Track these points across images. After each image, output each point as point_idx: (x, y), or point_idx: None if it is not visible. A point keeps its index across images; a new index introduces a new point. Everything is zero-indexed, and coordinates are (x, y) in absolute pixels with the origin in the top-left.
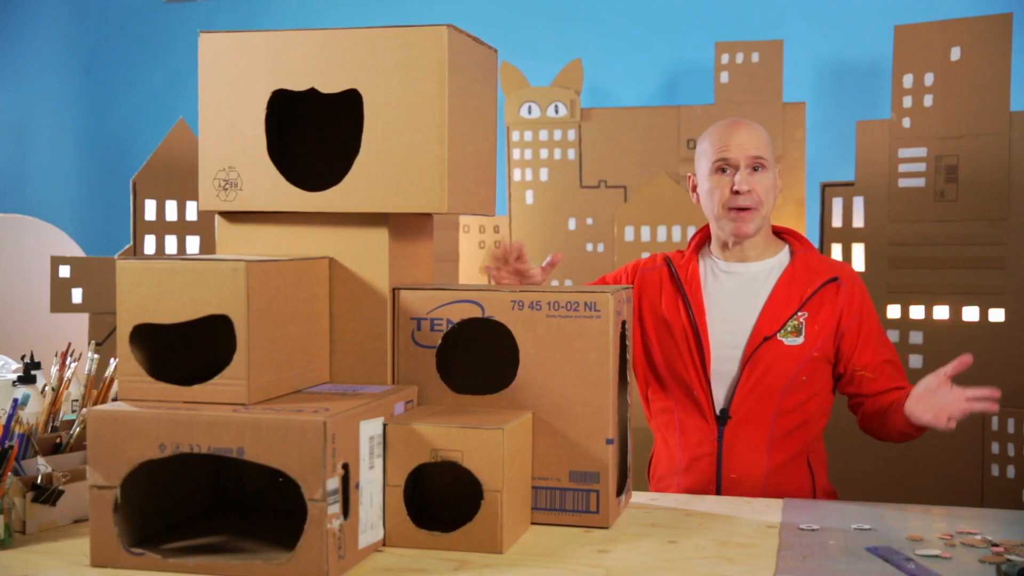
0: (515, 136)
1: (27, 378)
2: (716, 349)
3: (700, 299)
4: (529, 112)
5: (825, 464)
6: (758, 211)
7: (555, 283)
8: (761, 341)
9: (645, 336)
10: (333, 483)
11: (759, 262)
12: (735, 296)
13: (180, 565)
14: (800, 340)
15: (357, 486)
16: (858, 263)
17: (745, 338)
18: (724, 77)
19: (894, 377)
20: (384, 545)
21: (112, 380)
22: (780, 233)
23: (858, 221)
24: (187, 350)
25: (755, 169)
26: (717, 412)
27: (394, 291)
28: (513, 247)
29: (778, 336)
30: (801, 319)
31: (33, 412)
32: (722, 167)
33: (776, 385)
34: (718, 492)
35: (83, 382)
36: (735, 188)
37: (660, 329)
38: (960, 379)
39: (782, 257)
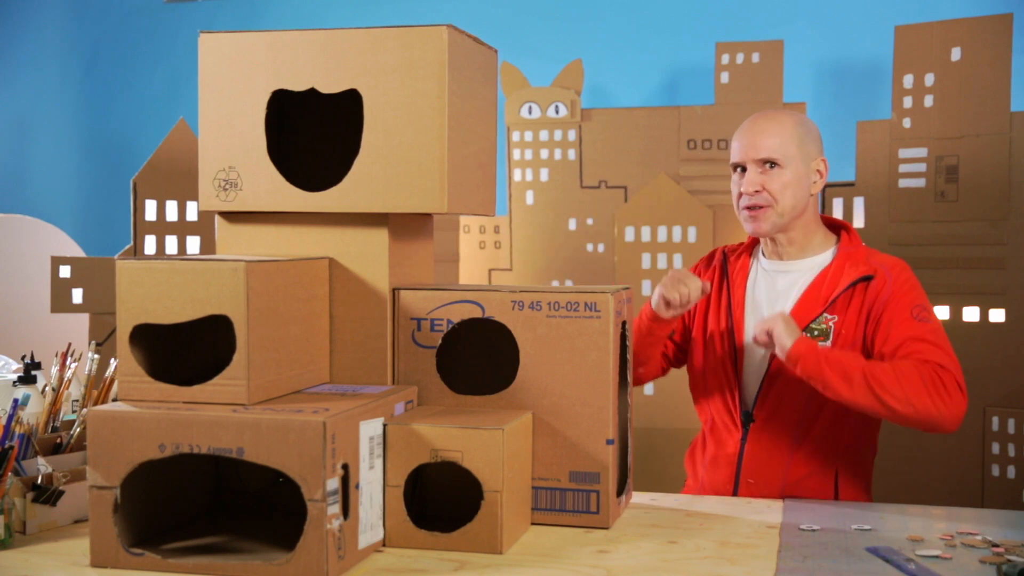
0: (515, 136)
1: (27, 378)
2: (749, 349)
3: (741, 297)
4: (529, 112)
5: (862, 482)
6: (771, 208)
7: (555, 283)
8: None
9: (688, 330)
10: (333, 483)
11: (800, 260)
12: (772, 295)
13: (180, 565)
14: (827, 344)
15: (357, 486)
16: None
17: None
18: (724, 77)
19: (914, 352)
20: (384, 545)
21: (112, 380)
22: (836, 226)
23: (858, 221)
24: (187, 350)
25: (770, 166)
26: (742, 414)
27: (394, 291)
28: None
29: None
30: (829, 322)
31: (33, 412)
32: (737, 168)
33: (799, 391)
34: (734, 494)
35: (83, 382)
36: (741, 190)
37: (705, 325)
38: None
39: (826, 256)
